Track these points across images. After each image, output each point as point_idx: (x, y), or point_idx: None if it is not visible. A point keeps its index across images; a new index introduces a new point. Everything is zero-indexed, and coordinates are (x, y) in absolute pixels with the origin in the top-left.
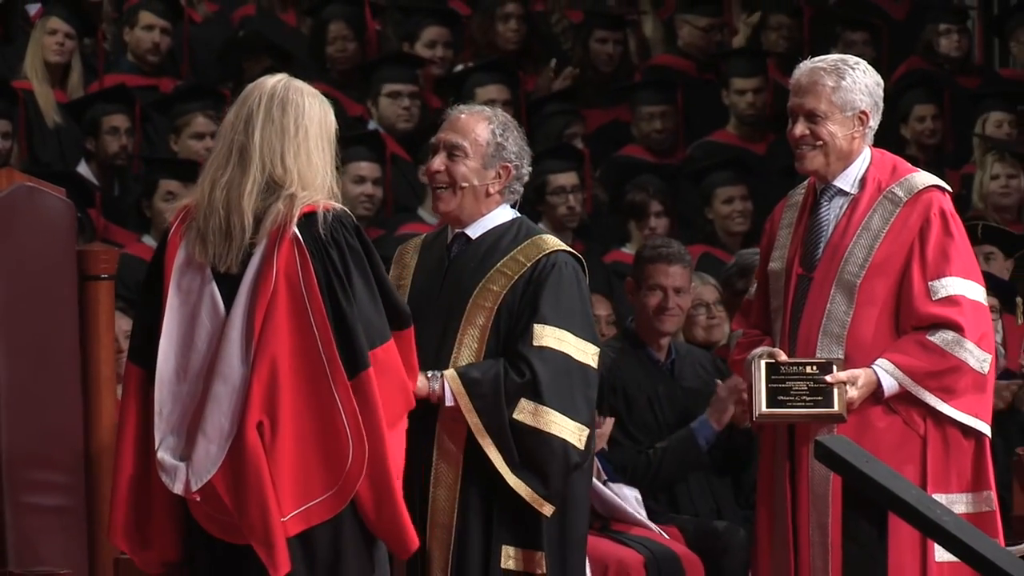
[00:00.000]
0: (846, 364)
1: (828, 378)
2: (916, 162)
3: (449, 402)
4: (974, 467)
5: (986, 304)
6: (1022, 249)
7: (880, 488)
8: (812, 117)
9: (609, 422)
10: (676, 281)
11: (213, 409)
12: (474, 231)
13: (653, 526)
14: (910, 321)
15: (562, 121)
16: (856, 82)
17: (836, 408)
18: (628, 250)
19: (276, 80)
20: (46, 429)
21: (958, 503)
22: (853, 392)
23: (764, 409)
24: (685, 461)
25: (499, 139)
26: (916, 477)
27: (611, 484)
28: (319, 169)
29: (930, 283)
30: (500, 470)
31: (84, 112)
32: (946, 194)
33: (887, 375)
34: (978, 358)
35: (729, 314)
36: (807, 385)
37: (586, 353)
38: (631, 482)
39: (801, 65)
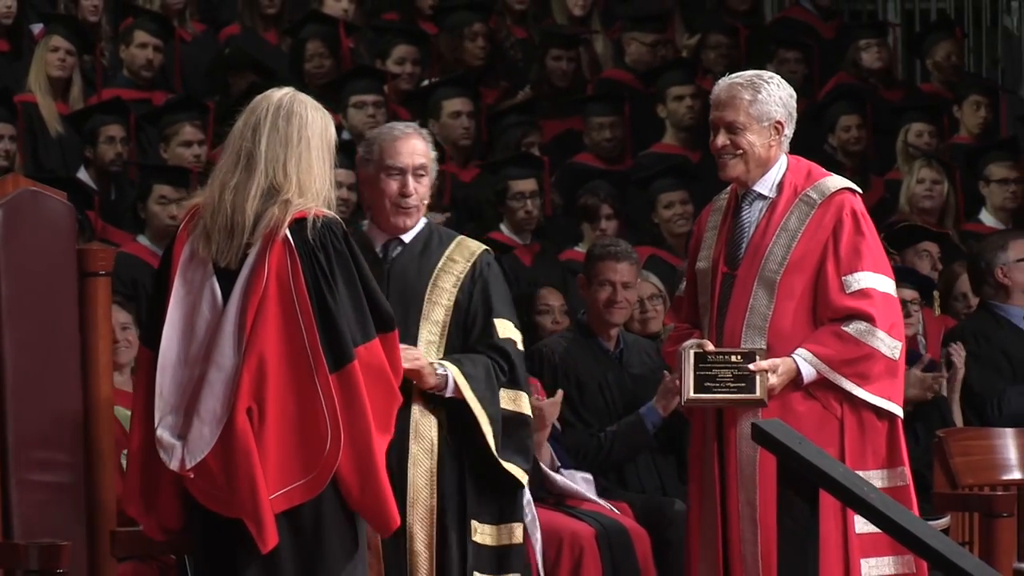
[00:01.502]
0: (768, 354)
1: (751, 366)
2: (843, 168)
3: (450, 393)
4: (888, 445)
5: (896, 296)
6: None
7: (811, 466)
8: (732, 128)
9: (559, 394)
10: (624, 276)
11: (208, 394)
12: (408, 236)
13: (603, 502)
14: (826, 313)
15: (520, 131)
16: (771, 95)
17: (757, 394)
18: (581, 249)
19: (283, 93)
20: (49, 412)
21: (875, 479)
22: (774, 379)
23: (692, 394)
24: (634, 443)
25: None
26: (835, 456)
27: (564, 471)
28: (317, 177)
29: (843, 278)
30: (495, 454)
31: (83, 122)
32: (857, 196)
33: (806, 363)
34: (889, 346)
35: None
36: (731, 373)
37: (520, 336)
38: (583, 463)
39: (720, 81)
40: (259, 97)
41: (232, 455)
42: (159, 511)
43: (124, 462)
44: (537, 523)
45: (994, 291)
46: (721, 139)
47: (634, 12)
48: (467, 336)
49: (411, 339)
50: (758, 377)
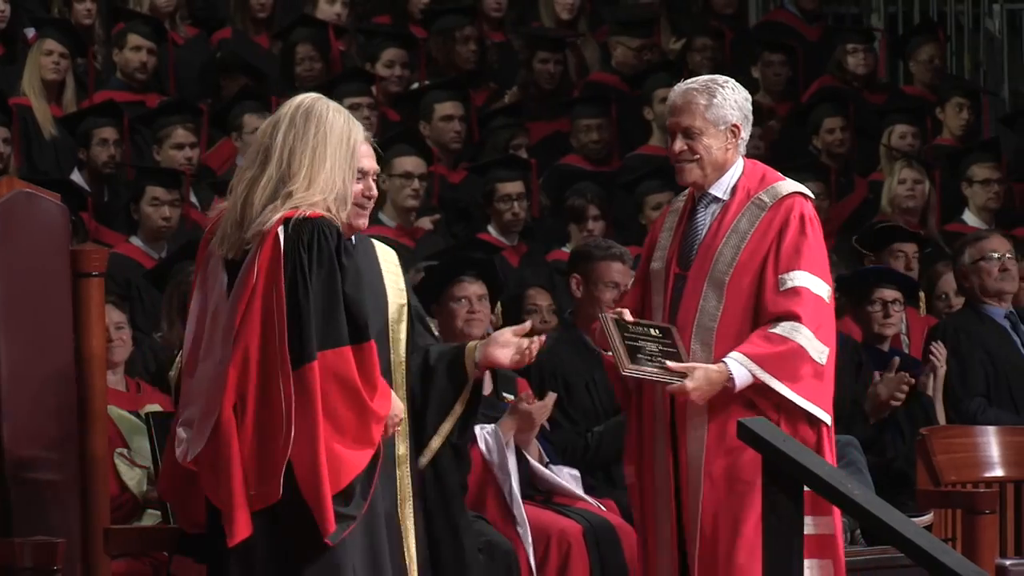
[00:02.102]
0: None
1: (670, 364)
2: (827, 170)
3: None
4: (816, 452)
5: (830, 303)
6: (925, 250)
7: (796, 464)
8: (689, 133)
9: (551, 396)
10: (626, 278)
11: (206, 386)
12: (355, 238)
13: (591, 499)
14: (761, 313)
15: (508, 133)
16: (726, 99)
17: (689, 384)
18: (567, 250)
19: (307, 95)
20: (44, 411)
21: None
22: (690, 384)
23: (629, 365)
24: (621, 444)
25: None
26: (756, 458)
27: (552, 467)
28: (330, 174)
29: (779, 276)
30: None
31: (77, 125)
32: (808, 200)
33: (739, 365)
34: (816, 348)
35: None
36: (658, 347)
37: None
38: (570, 462)
39: (676, 87)
40: (287, 101)
41: (216, 449)
42: (189, 505)
43: (116, 460)
44: (527, 522)
45: (974, 291)
46: (678, 144)
47: (621, 17)
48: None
49: (385, 339)
50: (682, 357)
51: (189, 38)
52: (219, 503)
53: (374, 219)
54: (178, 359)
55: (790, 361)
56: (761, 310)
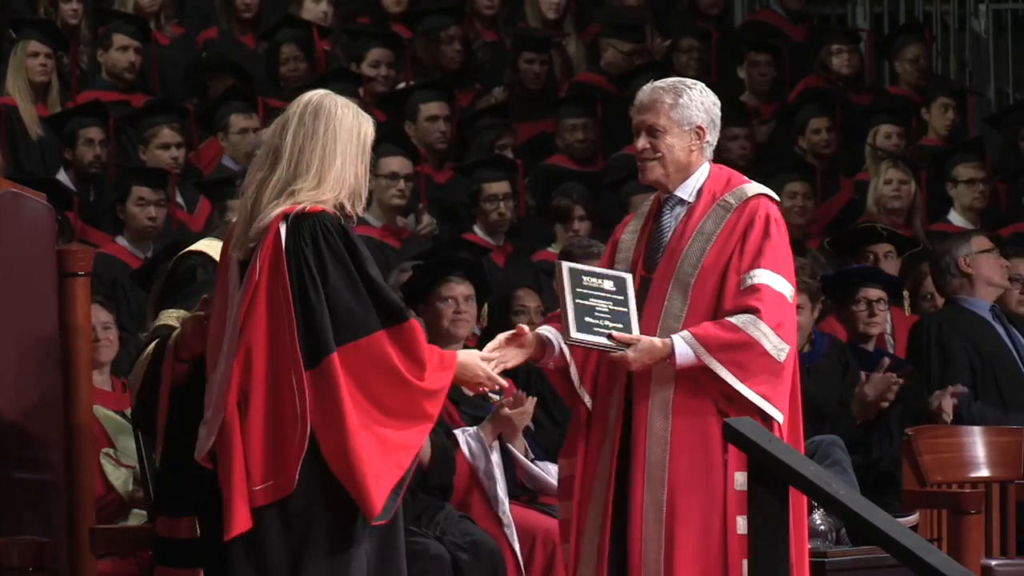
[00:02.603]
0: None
1: (617, 335)
2: (813, 170)
3: None
4: None
5: (791, 302)
6: (911, 249)
7: (780, 464)
8: (652, 131)
9: (531, 401)
10: None
11: (217, 384)
12: None
13: None
14: (721, 312)
15: (494, 134)
16: (693, 100)
17: (630, 354)
18: (553, 249)
19: (314, 93)
20: (29, 411)
21: None
22: (631, 353)
23: (575, 333)
24: None
25: None
26: (716, 455)
27: (537, 462)
28: (341, 171)
29: (741, 275)
30: None
31: (63, 125)
32: (773, 202)
33: (683, 343)
34: (773, 343)
35: None
36: (608, 306)
37: None
38: (555, 461)
39: (644, 87)
40: (294, 101)
41: (220, 445)
42: None
43: (102, 460)
44: (512, 523)
45: (958, 283)
46: (641, 142)
47: (614, 20)
48: None
49: None
50: (632, 318)
51: (175, 38)
52: (223, 496)
53: (360, 219)
54: (139, 361)
55: (742, 352)
56: (721, 309)
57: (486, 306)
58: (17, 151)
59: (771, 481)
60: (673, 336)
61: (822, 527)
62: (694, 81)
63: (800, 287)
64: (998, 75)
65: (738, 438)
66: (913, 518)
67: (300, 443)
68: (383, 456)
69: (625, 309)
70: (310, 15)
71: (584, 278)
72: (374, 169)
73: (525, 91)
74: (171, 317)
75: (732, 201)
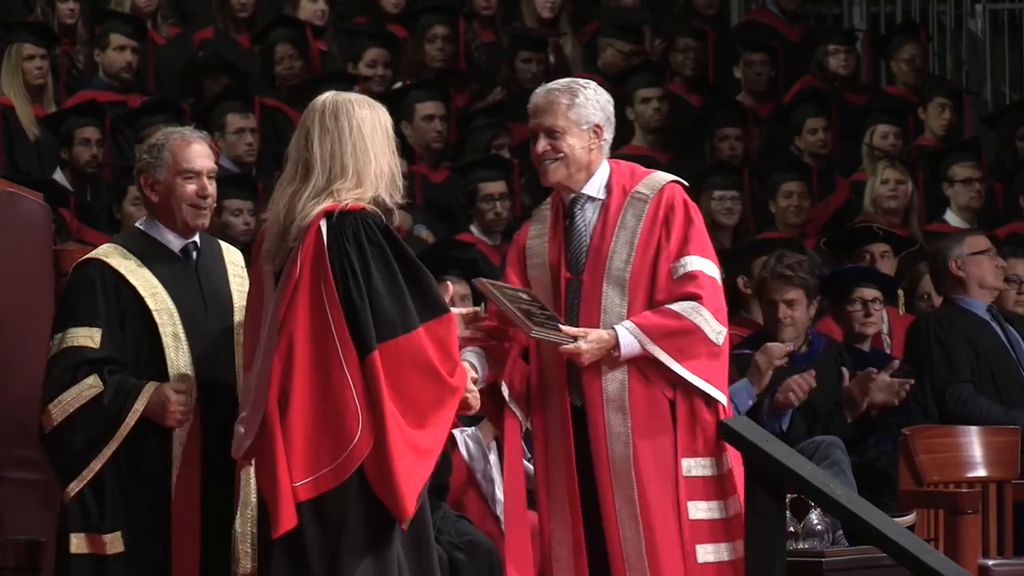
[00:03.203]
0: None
1: (563, 328)
2: (810, 170)
3: None
4: (715, 434)
5: (720, 284)
6: (908, 249)
7: (778, 465)
8: (551, 133)
9: None
10: None
11: (256, 383)
12: (197, 238)
13: None
14: (658, 299)
15: (490, 134)
16: (588, 99)
17: (574, 346)
18: None
19: (324, 97)
20: (26, 410)
21: (706, 466)
22: (584, 344)
23: (537, 329)
24: None
25: None
26: (669, 443)
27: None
28: (375, 162)
29: (672, 264)
30: None
31: (59, 125)
32: (682, 187)
33: (628, 334)
34: (713, 328)
35: None
36: (538, 309)
37: None
38: None
39: (537, 90)
40: (307, 109)
41: (261, 442)
42: None
43: None
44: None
45: (951, 285)
46: (542, 144)
47: (613, 19)
48: None
49: (231, 342)
50: (559, 318)
51: (171, 38)
52: (266, 495)
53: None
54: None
55: (684, 338)
56: (655, 298)
57: (483, 305)
58: (13, 151)
59: (768, 481)
60: (616, 327)
61: (819, 527)
62: (587, 80)
63: (796, 282)
64: (995, 75)
65: (735, 438)
66: (910, 518)
67: (367, 435)
68: (414, 457)
69: (549, 311)
70: (306, 15)
71: (507, 290)
72: None
73: (522, 91)
74: (81, 336)
75: (646, 192)
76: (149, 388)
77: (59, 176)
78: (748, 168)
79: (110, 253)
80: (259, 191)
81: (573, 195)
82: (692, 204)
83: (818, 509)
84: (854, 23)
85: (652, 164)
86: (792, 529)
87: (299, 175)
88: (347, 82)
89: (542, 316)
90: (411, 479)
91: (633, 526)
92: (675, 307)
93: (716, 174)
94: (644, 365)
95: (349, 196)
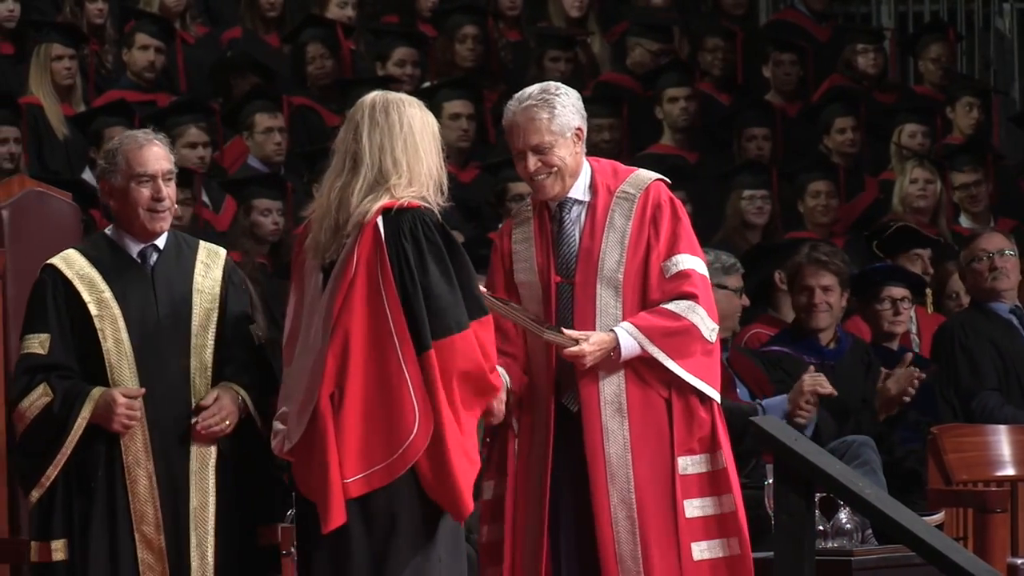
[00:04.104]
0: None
1: (566, 332)
2: (838, 169)
3: None
4: (711, 430)
5: (710, 281)
6: (935, 249)
7: (807, 464)
8: (539, 150)
9: None
10: None
11: (302, 379)
12: (161, 241)
13: None
14: (653, 297)
15: None
16: (565, 106)
17: (585, 346)
18: None
19: (374, 95)
20: None
21: (701, 463)
22: (587, 346)
23: (548, 332)
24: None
25: None
26: (665, 443)
27: None
28: (424, 161)
29: (663, 263)
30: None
31: (88, 124)
32: (666, 184)
33: (627, 335)
34: (708, 326)
35: None
36: (533, 318)
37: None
38: None
39: (509, 106)
40: (355, 106)
41: (311, 439)
42: None
43: None
44: None
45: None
46: (532, 163)
47: (642, 19)
48: (220, 339)
49: (185, 344)
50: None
51: (199, 37)
52: (311, 491)
53: None
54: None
55: (681, 338)
56: (649, 298)
57: None
58: (42, 150)
59: (797, 480)
60: (616, 328)
61: (848, 526)
62: (556, 84)
63: (832, 268)
64: (1022, 74)
65: (764, 438)
66: (939, 517)
67: (424, 431)
68: (465, 455)
69: (540, 318)
70: (334, 15)
71: (496, 301)
72: None
73: None
74: (34, 343)
75: (632, 191)
76: (95, 393)
77: (88, 176)
78: (776, 167)
79: (67, 258)
80: (288, 190)
81: (558, 200)
82: (678, 202)
83: (847, 508)
84: (882, 22)
85: (681, 163)
86: (821, 528)
87: (347, 168)
88: (378, 83)
89: (537, 321)
90: (467, 475)
91: (629, 527)
92: (671, 306)
93: (744, 173)
94: (640, 367)
95: (406, 193)
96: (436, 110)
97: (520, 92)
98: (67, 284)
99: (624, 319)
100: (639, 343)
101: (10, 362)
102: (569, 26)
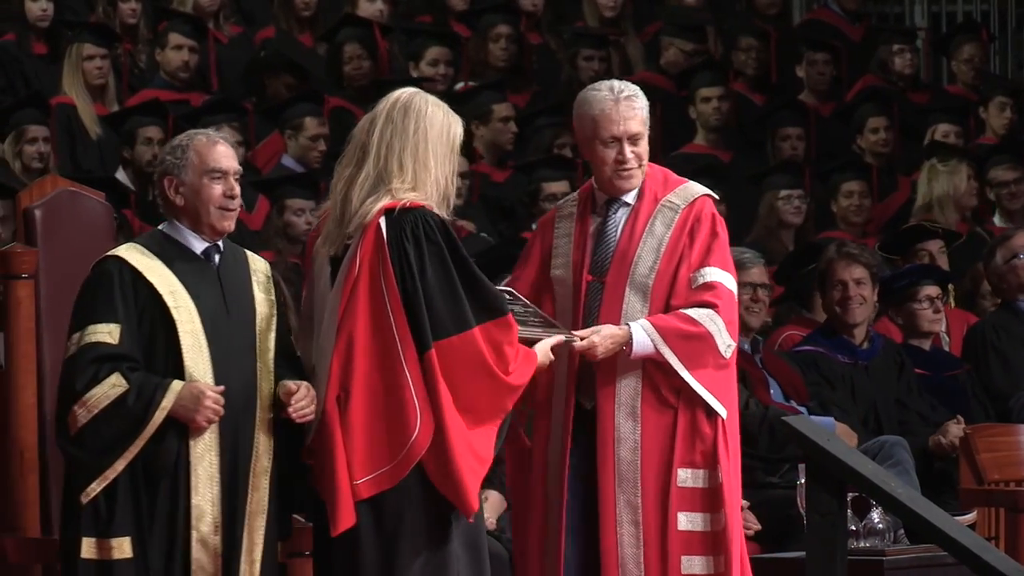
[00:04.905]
0: (644, 362)
1: (576, 334)
2: (870, 169)
3: None
4: (712, 445)
5: (737, 299)
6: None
7: (839, 463)
8: (636, 140)
9: None
10: None
11: (319, 378)
12: (221, 242)
13: None
14: (674, 304)
15: (552, 133)
16: (646, 104)
17: (595, 338)
18: None
19: (404, 91)
20: None
21: (699, 478)
22: (596, 338)
23: (558, 332)
24: None
25: None
26: (669, 452)
27: None
28: (433, 170)
29: (692, 274)
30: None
31: (122, 124)
32: (713, 201)
33: (642, 332)
34: (724, 340)
35: None
36: (522, 310)
37: None
38: None
39: (602, 92)
40: (383, 98)
41: (321, 440)
42: None
43: None
44: None
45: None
46: (628, 151)
47: (676, 19)
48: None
49: (252, 345)
50: (544, 314)
51: (233, 37)
52: (322, 493)
53: None
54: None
55: (696, 344)
56: (671, 305)
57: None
58: (75, 150)
59: (829, 480)
60: (631, 323)
61: (880, 526)
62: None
63: (862, 260)
64: None
65: (796, 437)
66: (971, 516)
67: (425, 432)
68: (472, 453)
69: (532, 309)
70: (365, 13)
71: (524, 304)
72: None
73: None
74: (101, 333)
75: (678, 202)
76: (176, 385)
77: (121, 175)
78: (809, 167)
79: (129, 250)
80: (321, 191)
81: (609, 198)
82: (720, 219)
83: (879, 508)
84: (915, 22)
85: (714, 163)
86: (853, 528)
87: (356, 159)
88: (412, 83)
89: (545, 322)
90: (473, 474)
91: (633, 531)
92: (691, 312)
93: (778, 173)
94: (655, 372)
95: (408, 196)
96: (484, 112)
97: (601, 83)
98: (137, 275)
99: None
100: (652, 341)
101: (43, 360)
102: (603, 26)
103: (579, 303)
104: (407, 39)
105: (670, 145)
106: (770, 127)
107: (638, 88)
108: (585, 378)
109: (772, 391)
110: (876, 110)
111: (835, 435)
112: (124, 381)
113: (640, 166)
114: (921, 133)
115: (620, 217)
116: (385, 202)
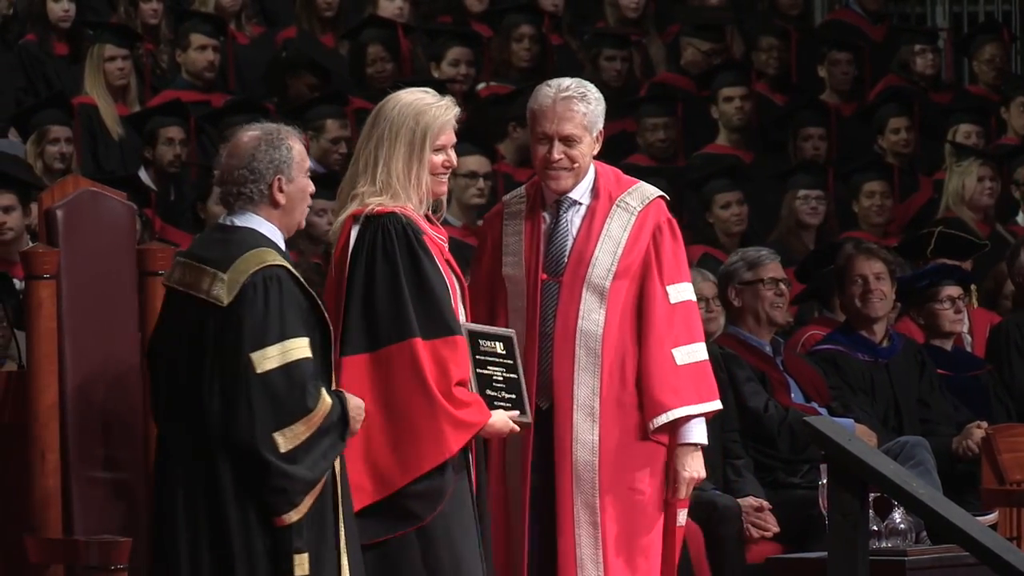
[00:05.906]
0: (601, 360)
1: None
2: (892, 170)
3: None
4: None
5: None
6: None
7: (861, 464)
8: (568, 141)
9: None
10: None
11: None
12: None
13: None
14: (652, 324)
15: None
16: (597, 105)
17: (527, 419)
18: None
19: (389, 96)
20: (109, 408)
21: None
22: (686, 473)
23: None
24: None
25: None
26: (633, 456)
27: None
28: (399, 172)
29: (667, 287)
30: None
31: (143, 124)
32: (665, 202)
33: (697, 429)
34: (705, 356)
35: (725, 308)
36: (502, 375)
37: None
38: None
39: (546, 91)
40: None
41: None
42: None
43: None
44: None
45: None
46: (557, 152)
47: (695, 20)
48: None
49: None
50: (522, 383)
51: (254, 37)
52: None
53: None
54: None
55: (704, 381)
56: (650, 321)
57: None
58: (97, 150)
59: (851, 480)
60: (682, 430)
61: (902, 526)
62: (587, 83)
63: (881, 255)
64: None
65: (817, 437)
66: (992, 516)
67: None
68: (371, 473)
69: (515, 375)
70: (385, 12)
71: (481, 343)
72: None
73: (605, 90)
74: (304, 347)
75: (634, 204)
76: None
77: (143, 175)
78: (831, 167)
79: (284, 256)
80: None
81: (559, 197)
82: (674, 221)
83: (901, 508)
84: (937, 22)
85: (736, 163)
86: (875, 528)
87: (351, 171)
88: (434, 84)
89: (501, 384)
90: (360, 491)
91: (591, 532)
92: (686, 358)
93: (800, 173)
94: (615, 372)
95: (373, 200)
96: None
97: (554, 80)
98: (298, 284)
99: (605, 325)
100: (697, 423)
101: (65, 361)
102: (625, 26)
103: (534, 302)
104: (428, 40)
105: (692, 145)
106: (792, 127)
107: (590, 91)
108: (542, 378)
109: (792, 394)
110: (897, 110)
111: (856, 435)
112: (328, 396)
113: (571, 169)
114: (943, 133)
115: (573, 216)
116: (352, 209)
